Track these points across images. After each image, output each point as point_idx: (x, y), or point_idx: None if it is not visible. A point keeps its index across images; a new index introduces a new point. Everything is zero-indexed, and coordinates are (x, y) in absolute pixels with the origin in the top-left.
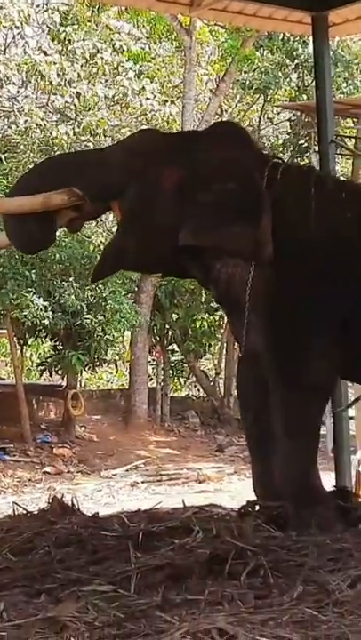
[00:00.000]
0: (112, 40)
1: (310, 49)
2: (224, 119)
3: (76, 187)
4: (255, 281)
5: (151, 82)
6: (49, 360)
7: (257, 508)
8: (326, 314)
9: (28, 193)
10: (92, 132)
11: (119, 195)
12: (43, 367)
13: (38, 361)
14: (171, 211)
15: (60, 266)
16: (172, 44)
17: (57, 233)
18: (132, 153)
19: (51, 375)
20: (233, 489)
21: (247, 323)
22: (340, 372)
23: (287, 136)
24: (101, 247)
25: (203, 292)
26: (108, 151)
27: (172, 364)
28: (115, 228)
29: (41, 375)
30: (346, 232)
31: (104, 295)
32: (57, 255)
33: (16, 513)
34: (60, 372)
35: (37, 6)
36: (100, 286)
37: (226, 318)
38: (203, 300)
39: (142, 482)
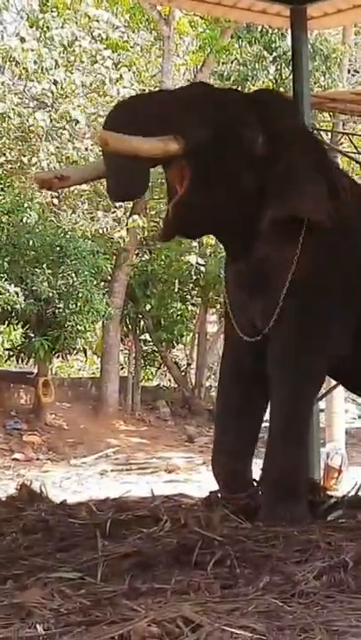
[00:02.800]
0: (90, 28)
1: (289, 42)
2: None
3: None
4: (300, 261)
5: (129, 70)
6: (17, 347)
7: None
8: (350, 308)
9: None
10: (69, 118)
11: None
12: (11, 353)
13: (8, 347)
14: (255, 179)
15: (32, 253)
16: (150, 33)
17: (30, 220)
18: (219, 112)
19: (18, 362)
20: (202, 479)
21: (283, 302)
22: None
23: None
24: (74, 239)
25: (176, 281)
26: (193, 103)
27: (144, 354)
28: (91, 216)
29: (6, 361)
30: None
31: (75, 284)
32: (30, 242)
33: None
34: (25, 359)
35: None
36: (73, 275)
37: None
38: (176, 290)
39: (111, 470)
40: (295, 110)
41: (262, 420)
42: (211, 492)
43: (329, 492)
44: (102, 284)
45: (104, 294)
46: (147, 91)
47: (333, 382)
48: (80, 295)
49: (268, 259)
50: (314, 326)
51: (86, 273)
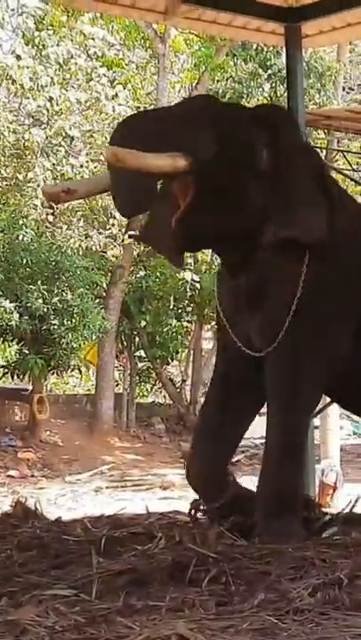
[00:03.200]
0: (86, 46)
1: (283, 59)
2: None
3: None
4: (307, 277)
5: (124, 88)
6: (12, 364)
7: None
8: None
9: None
10: (64, 135)
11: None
12: (6, 370)
13: (3, 364)
14: (258, 194)
15: (27, 270)
16: (145, 51)
17: (25, 238)
18: (223, 126)
19: (12, 379)
20: (197, 496)
21: (292, 317)
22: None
23: None
24: (68, 251)
25: (171, 298)
26: (197, 118)
27: (139, 371)
28: (85, 233)
29: (0, 378)
30: None
31: (70, 300)
32: (25, 260)
33: None
34: (20, 376)
35: (12, 10)
36: (67, 290)
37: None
38: (171, 306)
39: (106, 487)
40: (296, 125)
41: (245, 430)
42: (193, 502)
43: (324, 509)
44: (97, 300)
45: (100, 308)
46: (142, 108)
47: (328, 399)
48: (75, 311)
49: (269, 274)
50: (316, 347)
51: (81, 288)
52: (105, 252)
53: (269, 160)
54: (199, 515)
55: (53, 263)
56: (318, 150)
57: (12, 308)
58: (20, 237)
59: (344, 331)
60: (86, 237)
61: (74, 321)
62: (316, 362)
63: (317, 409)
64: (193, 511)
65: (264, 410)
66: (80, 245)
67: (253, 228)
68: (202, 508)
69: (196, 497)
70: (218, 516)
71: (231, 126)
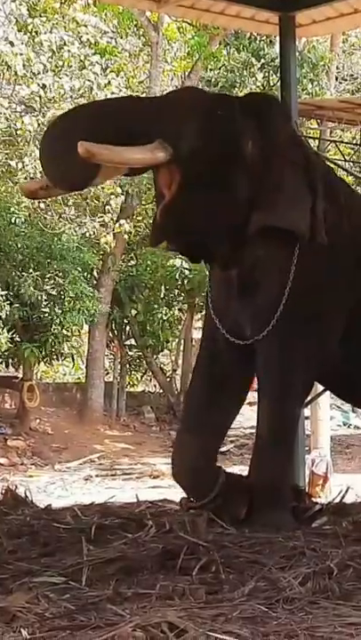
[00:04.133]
0: (79, 33)
1: (277, 49)
2: None
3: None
4: (297, 270)
5: (117, 76)
6: (4, 352)
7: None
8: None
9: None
10: None
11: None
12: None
13: None
14: (244, 183)
15: (20, 255)
16: (139, 39)
17: (17, 221)
18: (208, 116)
19: (7, 367)
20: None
21: (283, 308)
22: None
23: None
24: (61, 238)
25: (162, 287)
26: (180, 109)
27: (130, 359)
28: (78, 220)
29: None
30: None
31: (63, 284)
32: (17, 244)
33: None
34: (12, 365)
35: None
36: (60, 275)
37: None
38: (162, 295)
39: (96, 476)
40: (287, 115)
41: (232, 420)
42: (182, 499)
43: (314, 499)
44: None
45: (94, 290)
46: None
47: (319, 389)
48: (70, 295)
49: (260, 265)
50: (307, 337)
51: (74, 272)
52: (98, 241)
53: (256, 151)
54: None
55: (46, 247)
56: (310, 140)
57: (3, 297)
58: (13, 220)
59: (335, 321)
60: (78, 225)
61: (67, 305)
62: (306, 352)
63: (308, 399)
64: (185, 510)
65: (254, 400)
66: (74, 232)
67: (240, 218)
68: (192, 505)
69: (184, 494)
70: (216, 507)
71: (217, 117)
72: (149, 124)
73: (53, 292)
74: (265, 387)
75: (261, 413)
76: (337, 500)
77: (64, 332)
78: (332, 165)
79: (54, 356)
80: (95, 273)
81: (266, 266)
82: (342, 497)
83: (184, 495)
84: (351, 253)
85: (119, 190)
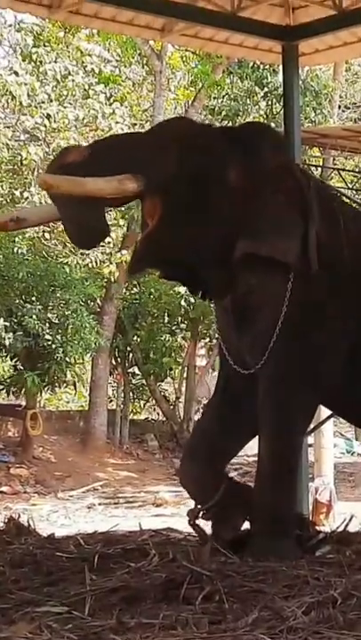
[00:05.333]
0: (83, 62)
1: (280, 77)
2: None
3: (136, 174)
4: (292, 298)
5: (121, 105)
6: (7, 380)
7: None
8: (342, 341)
9: (92, 174)
10: None
11: (169, 186)
12: (0, 387)
13: None
14: (231, 214)
15: (23, 284)
16: (142, 67)
17: (20, 250)
18: (186, 146)
19: (8, 395)
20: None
21: (278, 335)
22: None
23: None
24: (65, 267)
25: (165, 314)
26: (159, 139)
27: (133, 387)
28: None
29: None
30: None
31: (66, 314)
32: (20, 273)
33: None
34: (16, 393)
35: (9, 26)
36: (63, 304)
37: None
38: (165, 322)
39: (99, 504)
40: (279, 143)
41: (241, 445)
42: (189, 511)
43: (317, 527)
44: (92, 316)
45: (95, 323)
46: (138, 125)
47: (323, 417)
48: (70, 325)
49: (253, 293)
50: (303, 367)
51: (76, 302)
52: (100, 270)
53: (241, 179)
54: (199, 521)
55: (50, 275)
56: (313, 169)
57: (7, 326)
58: (15, 250)
59: (334, 349)
60: (82, 254)
61: (68, 336)
62: (303, 381)
63: (312, 427)
64: (192, 520)
65: None
66: (77, 263)
67: (225, 247)
68: (200, 512)
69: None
70: (217, 513)
71: (197, 146)
72: (129, 157)
73: (56, 321)
74: (264, 416)
75: (261, 445)
76: (341, 529)
77: (67, 359)
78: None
79: (57, 384)
80: (98, 301)
81: (259, 294)
82: (346, 525)
83: (189, 520)
84: (352, 278)
85: (122, 222)
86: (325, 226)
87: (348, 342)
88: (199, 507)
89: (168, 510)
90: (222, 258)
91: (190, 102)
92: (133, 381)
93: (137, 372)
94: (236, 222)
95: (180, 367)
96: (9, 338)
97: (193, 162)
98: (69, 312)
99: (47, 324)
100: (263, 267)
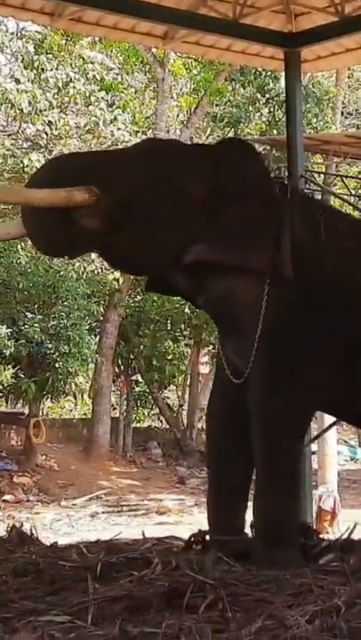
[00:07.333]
0: (85, 70)
1: (282, 84)
2: None
3: (97, 186)
4: (269, 305)
5: (123, 112)
6: (7, 387)
7: (207, 538)
8: (332, 345)
9: (45, 186)
10: None
11: (137, 198)
12: (1, 394)
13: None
14: (190, 222)
15: (24, 293)
16: (145, 75)
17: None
18: (153, 158)
19: (7, 403)
20: (194, 521)
21: (258, 342)
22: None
23: None
24: (65, 274)
25: (168, 322)
26: (126, 154)
27: (136, 395)
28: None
29: None
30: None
31: (67, 325)
32: (21, 284)
33: None
34: (16, 400)
35: (11, 34)
36: (64, 316)
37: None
38: (168, 329)
39: (102, 512)
40: (250, 155)
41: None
42: (199, 531)
43: (321, 535)
44: (94, 324)
45: (94, 336)
46: (141, 133)
47: (326, 424)
48: (70, 337)
49: (233, 296)
50: (290, 374)
51: (77, 315)
52: (104, 277)
53: (207, 190)
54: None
55: (51, 287)
56: (315, 175)
57: (9, 334)
58: (17, 260)
59: (319, 351)
60: (85, 261)
61: (69, 346)
62: (291, 388)
63: (315, 435)
64: (192, 539)
65: None
66: (84, 270)
67: (182, 254)
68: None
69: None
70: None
71: (160, 160)
72: (89, 171)
73: (56, 332)
74: (255, 427)
75: (256, 452)
76: (344, 537)
77: (68, 369)
78: (337, 199)
79: (57, 393)
80: (102, 308)
81: (237, 296)
82: (350, 533)
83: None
84: (333, 282)
85: None
86: (303, 234)
87: (343, 345)
88: (205, 535)
89: (171, 518)
90: (178, 265)
91: (192, 109)
92: (136, 389)
93: (140, 379)
94: (193, 231)
95: (183, 375)
96: (10, 346)
97: (155, 174)
98: (70, 324)
99: (48, 334)
100: (234, 274)
